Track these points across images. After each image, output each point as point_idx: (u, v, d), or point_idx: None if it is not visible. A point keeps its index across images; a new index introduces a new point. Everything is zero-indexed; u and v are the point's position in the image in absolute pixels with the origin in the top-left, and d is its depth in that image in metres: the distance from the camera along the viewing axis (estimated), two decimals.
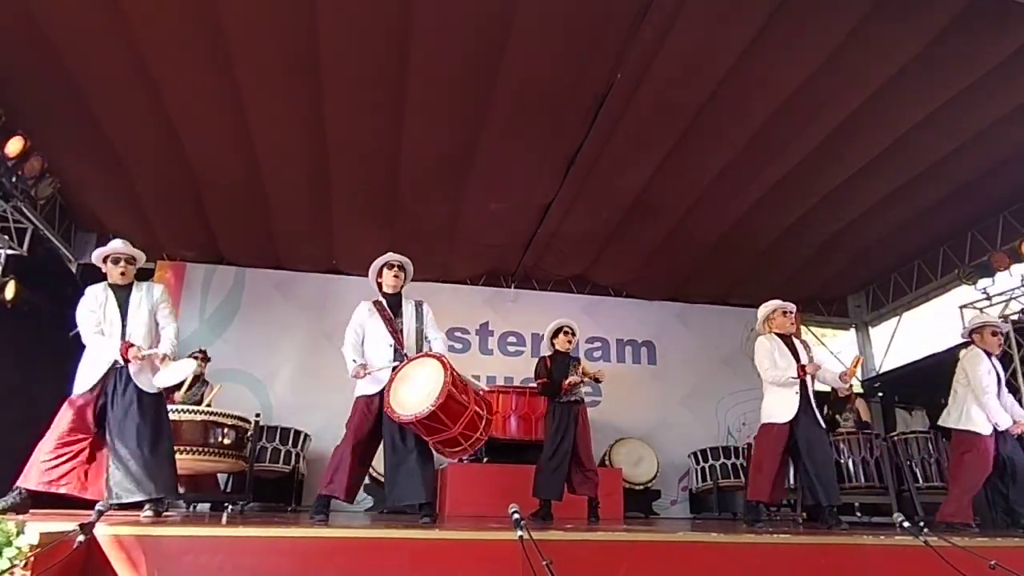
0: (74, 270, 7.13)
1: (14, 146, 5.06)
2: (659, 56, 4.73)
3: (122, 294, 3.89)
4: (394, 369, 3.94)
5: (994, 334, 5.04)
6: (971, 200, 6.59)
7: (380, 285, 4.30)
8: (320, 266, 7.95)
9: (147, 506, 3.64)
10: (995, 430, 4.81)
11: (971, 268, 6.91)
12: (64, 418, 3.66)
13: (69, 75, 4.89)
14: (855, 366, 4.79)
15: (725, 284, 8.50)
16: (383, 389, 3.92)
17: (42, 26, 4.49)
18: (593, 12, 4.38)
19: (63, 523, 2.58)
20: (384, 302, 4.21)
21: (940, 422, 5.19)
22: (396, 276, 4.23)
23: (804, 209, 6.74)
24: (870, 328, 9.27)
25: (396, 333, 4.08)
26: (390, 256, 4.29)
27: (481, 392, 4.06)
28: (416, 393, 3.75)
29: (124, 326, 3.78)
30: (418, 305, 4.27)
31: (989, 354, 4.99)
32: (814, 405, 4.68)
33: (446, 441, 3.82)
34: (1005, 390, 5.04)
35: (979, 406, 4.84)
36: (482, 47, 4.67)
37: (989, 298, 6.81)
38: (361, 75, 4.92)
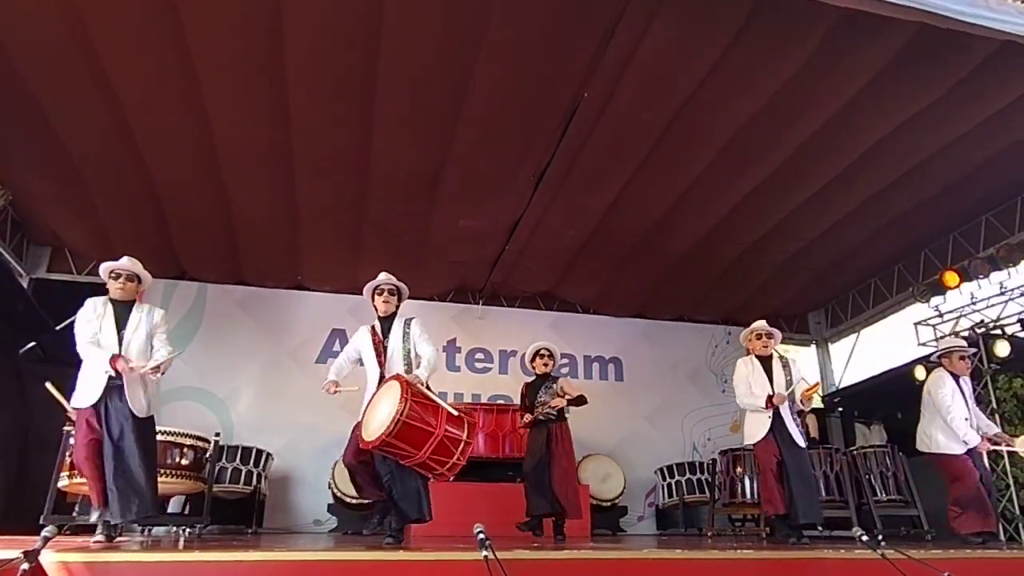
0: (26, 285, 6.88)
1: None
2: (625, 76, 4.82)
3: (121, 310, 3.85)
4: (374, 393, 3.94)
5: (962, 358, 5.22)
6: (924, 220, 6.84)
7: (376, 308, 4.29)
8: (285, 282, 7.83)
9: (99, 529, 3.51)
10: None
11: (924, 287, 7.15)
12: (79, 430, 3.69)
13: (23, 82, 4.74)
14: (812, 391, 4.86)
15: (690, 301, 8.63)
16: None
17: None
18: (561, 31, 4.44)
19: (5, 551, 2.46)
20: (377, 326, 4.22)
21: (917, 446, 5.31)
22: (386, 301, 4.24)
23: (766, 228, 6.91)
24: (830, 344, 9.51)
25: (379, 356, 4.08)
26: (380, 280, 4.30)
27: (460, 413, 3.82)
28: (379, 419, 3.68)
29: (120, 342, 3.74)
30: (407, 323, 4.23)
31: (956, 376, 5.15)
32: (792, 425, 4.75)
33: (419, 466, 3.74)
34: (974, 407, 5.22)
35: (947, 427, 4.99)
36: (451, 64, 4.69)
37: (941, 315, 7.05)
38: (328, 89, 4.89)
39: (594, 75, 4.73)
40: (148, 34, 4.40)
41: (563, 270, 7.87)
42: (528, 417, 5.17)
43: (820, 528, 6.46)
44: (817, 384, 4.89)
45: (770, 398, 4.70)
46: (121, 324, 3.78)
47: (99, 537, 3.47)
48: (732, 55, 4.60)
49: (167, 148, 5.52)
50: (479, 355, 8.29)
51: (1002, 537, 5.69)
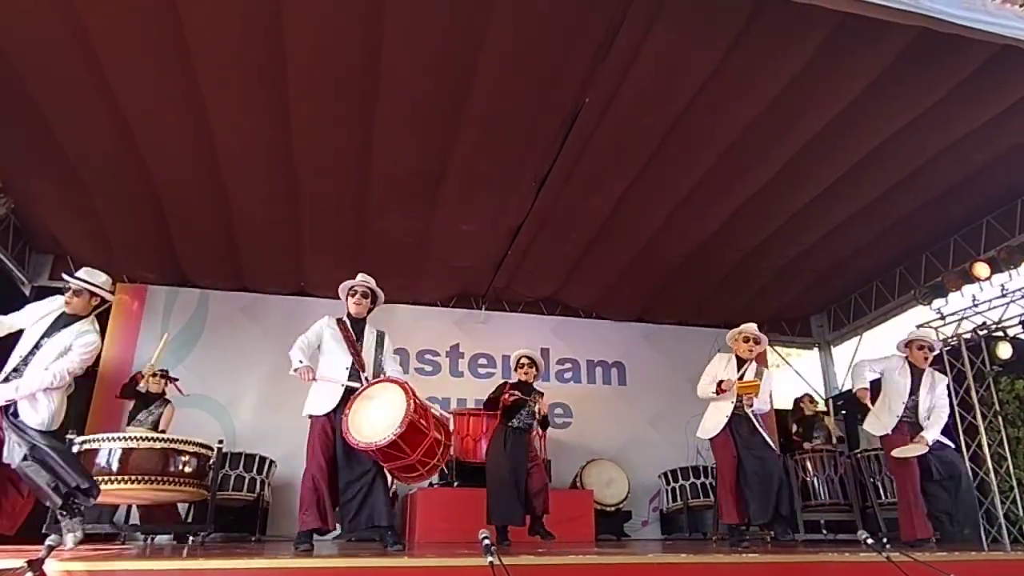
0: (28, 293, 6.89)
1: None
2: (627, 80, 4.84)
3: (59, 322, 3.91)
4: (352, 392, 3.88)
5: (920, 348, 5.17)
6: (924, 223, 6.85)
7: (348, 308, 4.30)
8: (287, 288, 7.83)
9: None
10: None
11: (926, 289, 7.15)
12: None
13: (24, 90, 4.76)
14: (747, 387, 4.80)
15: (692, 305, 8.63)
16: (335, 409, 3.86)
17: None
18: (563, 35, 4.46)
19: (9, 560, 2.46)
20: (348, 323, 4.20)
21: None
22: (358, 304, 4.23)
23: (768, 232, 6.92)
24: (832, 347, 9.50)
25: (357, 355, 4.06)
26: (356, 281, 4.29)
27: (442, 416, 3.99)
28: (377, 419, 3.66)
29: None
30: (380, 336, 4.26)
31: (913, 366, 5.13)
32: (753, 424, 4.81)
33: (403, 467, 3.74)
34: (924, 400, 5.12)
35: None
36: (452, 67, 4.70)
37: (943, 317, 7.05)
38: (329, 91, 4.89)
39: (595, 78, 4.73)
40: (148, 36, 4.40)
41: (565, 274, 7.88)
42: (517, 396, 5.01)
43: (824, 532, 6.46)
44: (755, 384, 4.83)
45: (720, 384, 4.71)
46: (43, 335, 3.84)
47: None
48: (732, 58, 4.61)
49: (168, 152, 5.53)
50: (482, 360, 8.29)
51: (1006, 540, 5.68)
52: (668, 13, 4.26)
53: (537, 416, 5.15)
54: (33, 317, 3.89)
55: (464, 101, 4.99)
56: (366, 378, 3.98)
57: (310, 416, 3.99)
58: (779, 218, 6.67)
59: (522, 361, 5.32)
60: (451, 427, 4.00)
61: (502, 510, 4.82)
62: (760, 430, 4.82)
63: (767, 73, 4.80)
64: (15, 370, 3.75)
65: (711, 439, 4.86)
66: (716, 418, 4.81)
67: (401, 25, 4.34)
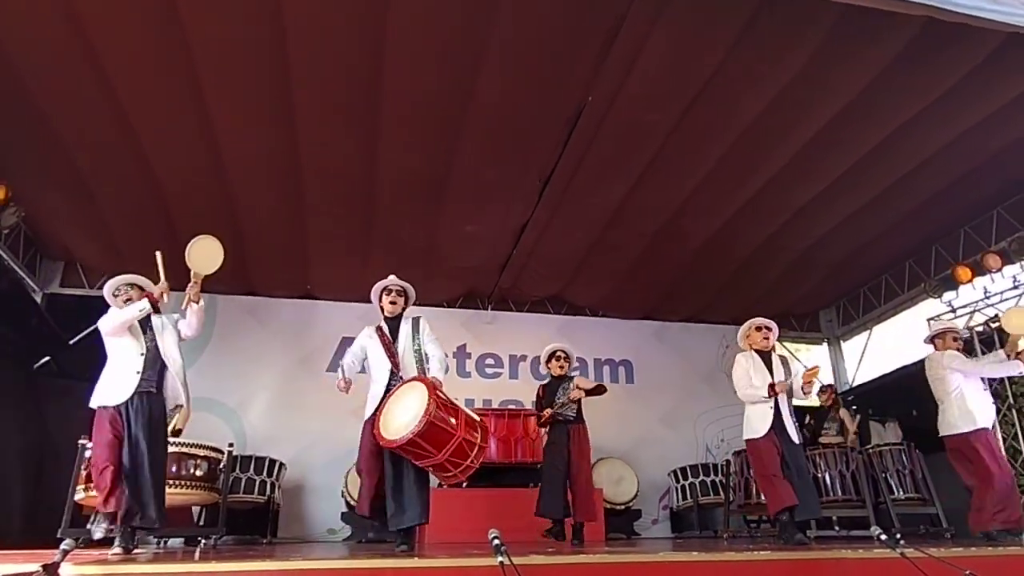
0: (39, 300, 6.95)
1: None
2: (630, 78, 4.82)
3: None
4: (387, 392, 3.97)
5: (955, 339, 5.18)
6: (933, 215, 6.78)
7: (382, 309, 4.33)
8: (295, 292, 7.86)
9: (117, 541, 3.53)
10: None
11: (936, 282, 7.09)
12: None
13: (33, 99, 4.80)
14: (811, 374, 4.79)
15: (700, 302, 8.59)
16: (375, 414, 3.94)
17: (4, 51, 4.40)
18: (565, 35, 4.45)
19: (24, 564, 2.47)
20: (384, 327, 4.25)
21: (942, 433, 5.23)
22: (393, 302, 4.29)
23: (775, 227, 6.88)
24: (842, 342, 9.44)
25: (393, 357, 4.11)
26: (389, 281, 4.37)
27: (476, 419, 3.99)
28: (402, 418, 3.74)
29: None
30: (415, 322, 4.29)
31: None
32: (789, 421, 4.72)
33: (435, 467, 3.82)
34: None
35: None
36: (456, 68, 4.70)
37: (954, 310, 6.99)
38: (333, 95, 4.91)
39: (599, 76, 4.73)
40: (153, 46, 4.44)
41: (571, 273, 7.86)
42: (547, 412, 5.16)
43: (837, 528, 6.41)
44: (817, 368, 4.79)
45: (772, 386, 4.66)
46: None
47: (117, 549, 3.49)
48: (738, 52, 4.59)
49: (174, 159, 5.56)
50: (489, 360, 8.29)
51: None
52: (671, 10, 4.24)
53: (581, 391, 5.18)
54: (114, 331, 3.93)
55: (468, 102, 4.99)
56: (400, 377, 4.04)
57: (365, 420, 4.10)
58: (787, 212, 6.63)
59: (557, 354, 5.42)
60: (485, 428, 4.02)
61: (543, 501, 5.01)
62: (793, 425, 4.77)
63: (773, 67, 4.77)
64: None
65: (757, 439, 4.76)
66: (763, 418, 4.67)
67: (404, 26, 4.35)
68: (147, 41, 4.41)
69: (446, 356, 4.32)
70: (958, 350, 5.21)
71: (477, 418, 3.93)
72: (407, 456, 3.78)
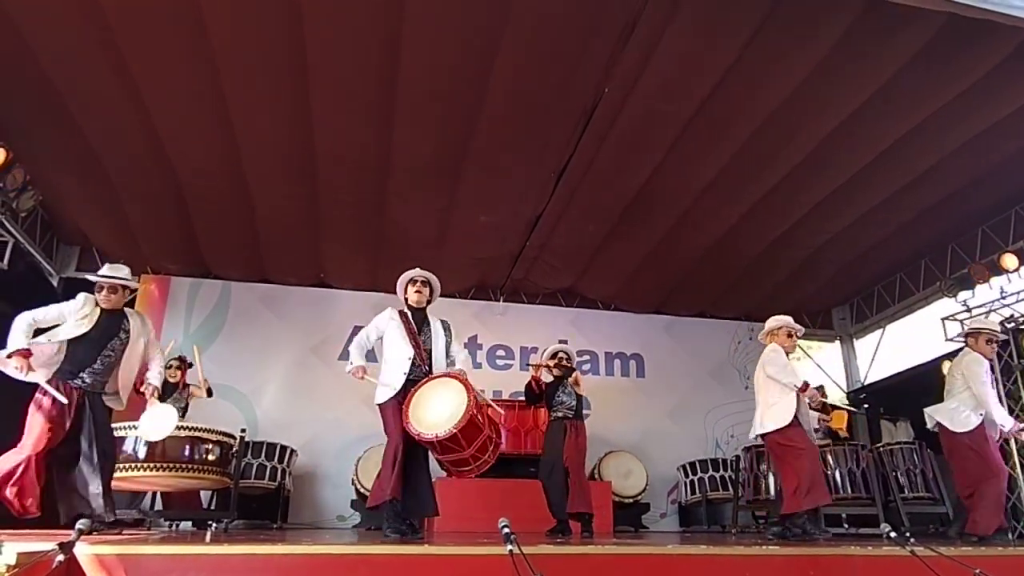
0: (55, 284, 7.03)
1: None
2: (646, 71, 4.79)
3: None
4: (414, 383, 3.98)
5: (989, 341, 5.06)
6: (951, 214, 6.70)
7: (407, 300, 4.35)
8: (308, 280, 7.91)
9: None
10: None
11: (952, 281, 7.01)
12: None
13: (51, 85, 4.85)
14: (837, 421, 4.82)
15: (712, 297, 8.55)
16: (396, 396, 3.94)
17: (24, 36, 4.45)
18: (582, 26, 4.42)
19: (41, 543, 2.52)
20: (409, 314, 4.26)
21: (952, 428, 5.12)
22: (419, 292, 4.29)
23: (789, 223, 6.82)
24: (855, 340, 9.36)
25: (419, 348, 4.11)
26: (415, 272, 4.37)
27: (501, 413, 4.19)
28: (438, 412, 3.79)
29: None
30: (446, 325, 4.33)
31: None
32: (804, 419, 4.73)
33: (457, 461, 3.87)
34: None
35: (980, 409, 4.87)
36: (471, 59, 4.69)
37: (969, 310, 6.91)
38: (348, 85, 4.92)
39: (615, 67, 4.70)
40: (172, 34, 4.47)
41: (584, 266, 7.85)
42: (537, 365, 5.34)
43: (846, 526, 6.39)
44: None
45: (807, 384, 4.65)
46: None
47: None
48: (754, 46, 4.54)
49: (190, 146, 5.61)
50: (500, 352, 8.31)
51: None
52: (689, 2, 4.20)
53: (573, 391, 5.29)
54: (68, 317, 3.86)
55: (483, 92, 4.98)
56: (427, 369, 4.07)
57: (379, 405, 4.07)
58: (801, 208, 6.57)
59: (559, 355, 5.49)
60: (499, 426, 4.12)
61: (554, 503, 5.05)
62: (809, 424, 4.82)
63: (790, 61, 4.71)
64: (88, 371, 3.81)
65: (787, 425, 4.64)
66: (791, 408, 4.62)
67: (421, 17, 4.34)
68: (165, 28, 4.43)
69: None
70: (991, 353, 5.07)
71: (502, 411, 4.09)
72: (432, 449, 3.85)
